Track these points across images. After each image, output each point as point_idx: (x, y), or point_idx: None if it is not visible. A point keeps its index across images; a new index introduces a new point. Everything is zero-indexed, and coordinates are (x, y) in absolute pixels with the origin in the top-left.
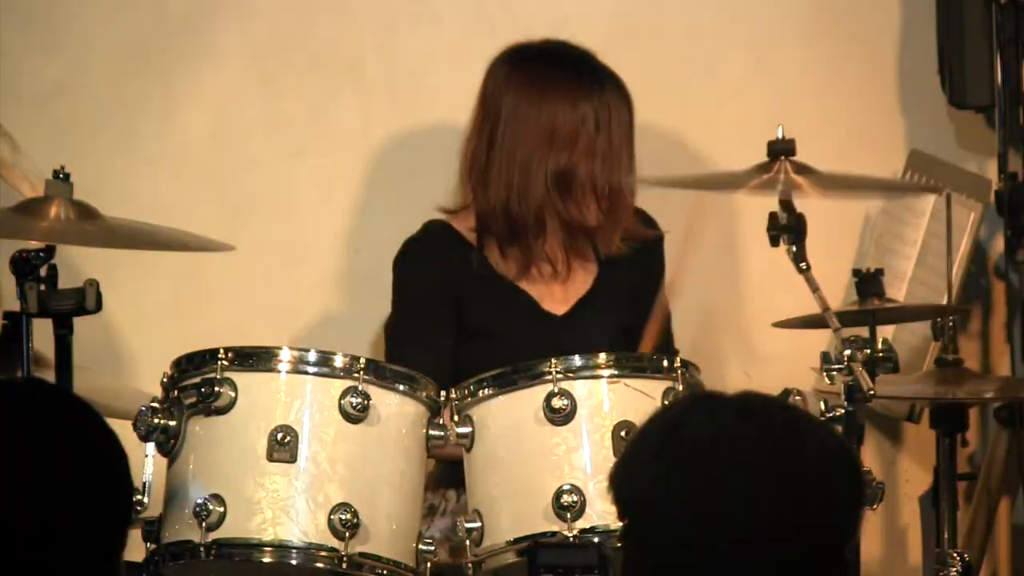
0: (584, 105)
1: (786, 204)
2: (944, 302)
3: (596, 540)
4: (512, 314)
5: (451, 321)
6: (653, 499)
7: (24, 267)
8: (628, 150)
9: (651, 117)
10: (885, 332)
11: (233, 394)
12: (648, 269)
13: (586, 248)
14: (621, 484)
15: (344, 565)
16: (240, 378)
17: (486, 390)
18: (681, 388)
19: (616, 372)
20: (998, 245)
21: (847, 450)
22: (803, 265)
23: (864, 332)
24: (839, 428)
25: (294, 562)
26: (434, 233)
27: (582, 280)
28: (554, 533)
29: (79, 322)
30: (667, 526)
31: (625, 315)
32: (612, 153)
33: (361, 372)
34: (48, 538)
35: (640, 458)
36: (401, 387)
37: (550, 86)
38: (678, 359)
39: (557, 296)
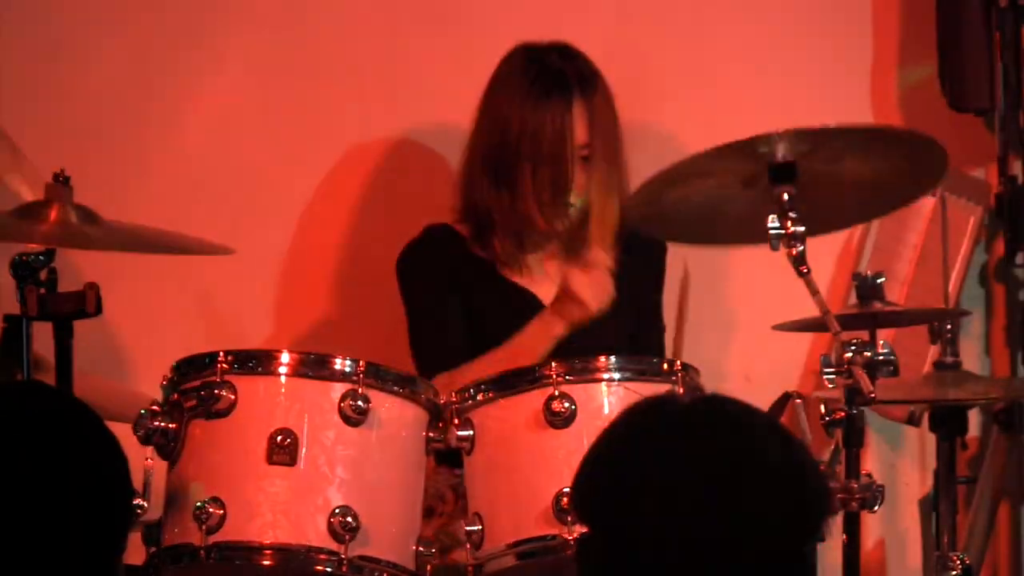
0: (538, 107)
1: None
2: (944, 305)
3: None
4: (519, 317)
5: (462, 312)
6: (609, 510)
7: (24, 270)
8: (584, 162)
9: (650, 120)
10: (885, 335)
11: (233, 397)
12: (648, 278)
13: (559, 250)
14: (581, 496)
15: (344, 568)
16: (240, 381)
17: (486, 393)
18: (681, 391)
19: (616, 375)
20: (998, 248)
21: (798, 451)
22: (803, 268)
23: (864, 335)
24: (838, 430)
25: (294, 565)
26: (435, 235)
27: None
28: (554, 537)
29: (79, 325)
30: (623, 537)
31: (628, 323)
32: (559, 159)
33: (361, 375)
34: (48, 541)
35: (597, 470)
36: (401, 390)
37: (513, 82)
38: (678, 362)
39: None
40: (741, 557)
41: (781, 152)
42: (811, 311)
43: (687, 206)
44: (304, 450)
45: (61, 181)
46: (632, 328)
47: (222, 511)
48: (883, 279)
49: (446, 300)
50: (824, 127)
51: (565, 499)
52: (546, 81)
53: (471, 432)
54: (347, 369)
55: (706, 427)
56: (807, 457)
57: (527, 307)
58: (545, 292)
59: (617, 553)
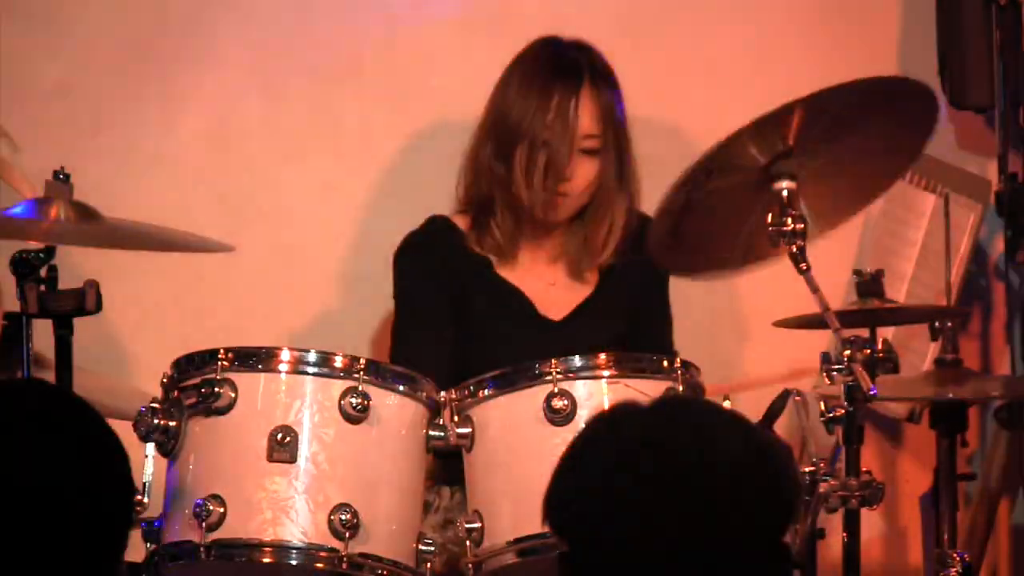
0: (545, 94)
1: (786, 205)
2: (944, 303)
3: None
4: (508, 317)
5: (450, 312)
6: (574, 520)
7: (24, 268)
8: (588, 155)
9: (651, 116)
10: (885, 333)
11: (233, 394)
12: (648, 278)
13: (562, 249)
14: (549, 508)
15: (344, 565)
16: (240, 378)
17: (486, 390)
18: (681, 388)
19: (616, 372)
20: (998, 246)
21: (763, 447)
22: (803, 265)
23: (864, 332)
24: (836, 429)
25: (294, 562)
26: (436, 228)
27: (581, 287)
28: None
29: (79, 323)
30: (589, 546)
31: (621, 324)
32: (557, 143)
33: (361, 372)
34: (49, 539)
35: (561, 482)
36: (401, 387)
37: (526, 66)
38: (678, 359)
39: (555, 302)
40: (710, 558)
41: (769, 153)
42: (811, 308)
43: (706, 233)
44: (304, 447)
45: (61, 178)
46: (634, 327)
47: (222, 508)
48: (883, 276)
49: (437, 298)
50: (799, 100)
51: None
52: (558, 65)
53: (471, 429)
54: (347, 366)
55: (666, 431)
56: (773, 452)
57: (518, 307)
58: (536, 293)
59: (586, 563)
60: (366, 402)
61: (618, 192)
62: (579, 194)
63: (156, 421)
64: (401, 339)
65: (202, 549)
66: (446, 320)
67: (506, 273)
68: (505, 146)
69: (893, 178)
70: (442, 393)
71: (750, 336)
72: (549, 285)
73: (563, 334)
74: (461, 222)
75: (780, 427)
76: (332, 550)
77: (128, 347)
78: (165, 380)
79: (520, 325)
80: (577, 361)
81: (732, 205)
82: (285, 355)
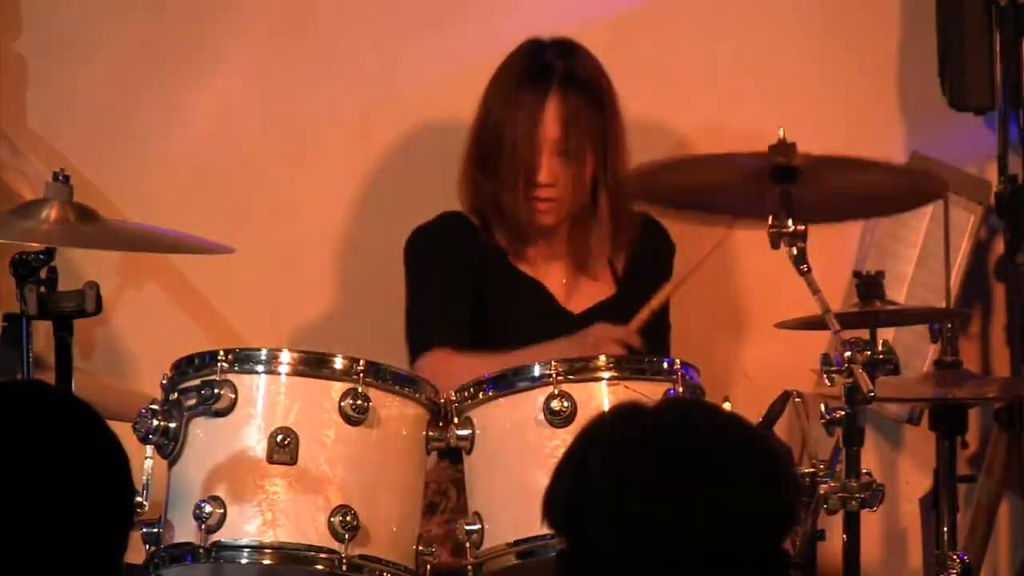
0: (515, 101)
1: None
2: (944, 304)
3: None
4: (528, 307)
5: (469, 297)
6: (572, 519)
7: (24, 269)
8: (562, 158)
9: (651, 119)
10: (885, 334)
11: (233, 396)
12: (658, 279)
13: (564, 249)
14: (549, 507)
15: (344, 567)
16: (240, 380)
17: (486, 392)
18: (681, 390)
19: (616, 374)
20: (998, 247)
21: (767, 453)
22: (804, 267)
23: (864, 334)
24: (840, 430)
25: (294, 564)
26: (449, 220)
27: (605, 284)
28: (554, 535)
29: (79, 324)
30: (587, 545)
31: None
32: (527, 151)
33: (361, 374)
34: (49, 541)
35: (562, 481)
36: (401, 389)
37: (505, 73)
38: (678, 361)
39: (574, 295)
40: (710, 559)
41: (789, 159)
42: (812, 309)
43: (685, 189)
44: (304, 449)
45: (61, 180)
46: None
47: (222, 510)
48: (883, 278)
49: (453, 279)
50: (831, 157)
51: None
52: (530, 73)
53: (471, 431)
54: (347, 368)
55: (669, 432)
56: (775, 454)
57: (536, 296)
58: (552, 283)
59: (586, 562)
60: (366, 404)
61: (598, 194)
62: (559, 198)
63: (156, 423)
64: (423, 318)
65: (202, 551)
66: (467, 303)
67: (521, 264)
68: (488, 158)
69: (888, 214)
70: (442, 395)
71: (750, 337)
72: (562, 281)
73: (581, 327)
74: (473, 219)
75: (780, 429)
76: (332, 552)
77: (128, 349)
78: (165, 382)
79: (541, 316)
80: (577, 363)
81: (722, 182)
82: (285, 356)
